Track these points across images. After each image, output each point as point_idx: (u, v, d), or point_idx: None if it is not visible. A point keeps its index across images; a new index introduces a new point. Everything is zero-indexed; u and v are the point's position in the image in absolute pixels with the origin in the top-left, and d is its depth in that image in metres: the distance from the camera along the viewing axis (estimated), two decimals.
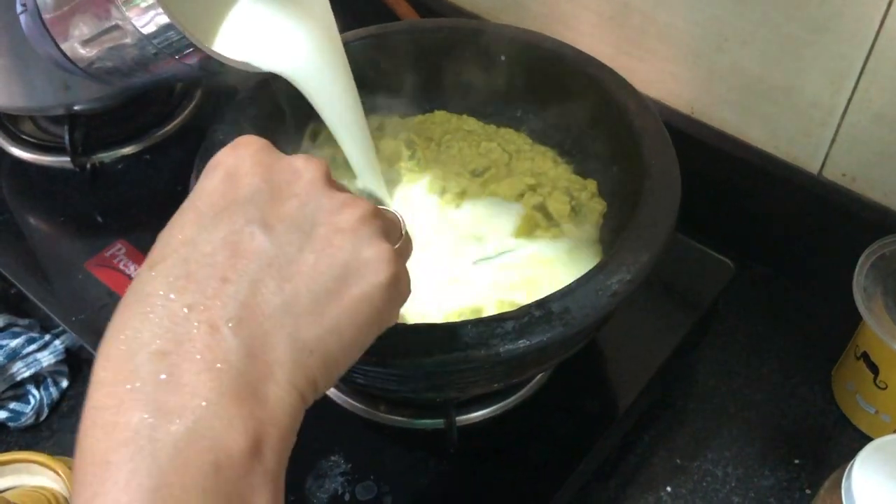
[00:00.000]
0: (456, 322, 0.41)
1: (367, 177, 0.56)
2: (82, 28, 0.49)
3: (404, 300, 0.35)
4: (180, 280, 0.29)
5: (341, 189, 0.34)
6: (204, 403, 0.27)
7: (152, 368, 0.28)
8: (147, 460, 0.26)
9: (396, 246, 0.34)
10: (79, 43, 0.50)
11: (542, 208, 0.57)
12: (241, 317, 0.29)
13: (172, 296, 0.29)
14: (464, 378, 0.44)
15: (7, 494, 0.51)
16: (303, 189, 0.32)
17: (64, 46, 0.51)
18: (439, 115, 0.64)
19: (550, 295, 0.42)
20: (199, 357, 0.28)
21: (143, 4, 0.43)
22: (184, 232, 0.31)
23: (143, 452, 0.26)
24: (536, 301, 0.42)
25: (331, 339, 0.30)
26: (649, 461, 0.61)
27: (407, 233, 0.37)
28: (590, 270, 0.44)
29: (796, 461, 0.61)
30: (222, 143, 0.52)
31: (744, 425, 0.63)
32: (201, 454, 0.26)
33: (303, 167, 0.33)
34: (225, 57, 0.47)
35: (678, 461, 0.61)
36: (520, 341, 0.41)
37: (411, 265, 0.36)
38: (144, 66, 0.50)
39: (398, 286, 0.33)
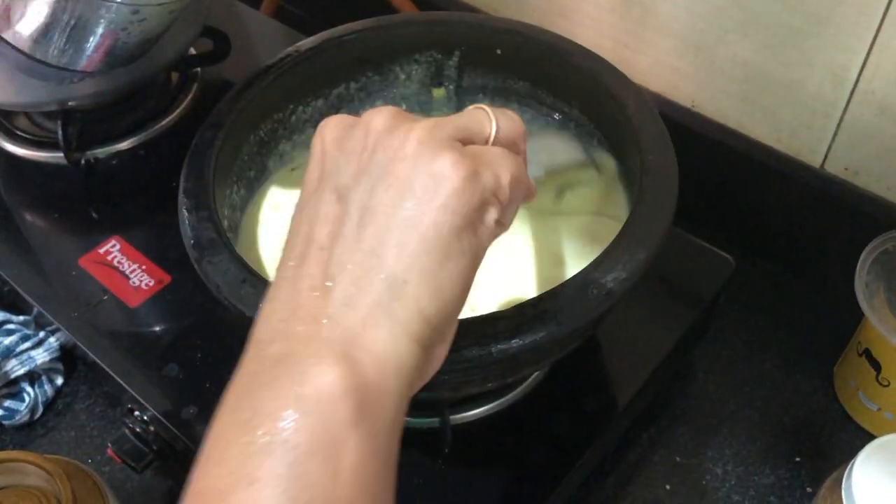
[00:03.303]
0: None
1: None
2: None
3: (503, 193, 0.33)
4: (292, 261, 0.33)
5: (409, 121, 0.34)
6: (302, 349, 0.30)
7: (271, 333, 0.31)
8: (246, 397, 0.30)
9: (491, 140, 0.35)
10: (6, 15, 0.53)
11: None
12: (336, 274, 0.31)
13: (289, 275, 0.33)
14: (457, 378, 0.44)
15: None
16: (371, 141, 0.34)
17: (6, 35, 0.55)
18: None
19: (544, 293, 0.42)
20: (307, 316, 0.31)
21: None
22: (292, 223, 0.35)
23: (245, 391, 0.30)
24: (530, 300, 0.41)
25: (423, 262, 0.31)
26: (649, 459, 0.61)
27: (504, 118, 0.36)
28: (585, 268, 0.43)
29: (797, 459, 0.60)
30: (210, 143, 0.52)
31: (744, 422, 0.63)
32: (289, 389, 0.29)
33: (369, 120, 0.34)
34: None
35: (678, 459, 0.61)
36: (513, 341, 0.40)
37: None
38: (87, 24, 0.55)
39: (476, 183, 0.32)
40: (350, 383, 0.29)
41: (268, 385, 0.29)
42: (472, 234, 0.32)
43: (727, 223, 0.72)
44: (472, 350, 0.40)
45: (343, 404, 0.28)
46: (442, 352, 0.34)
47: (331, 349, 0.29)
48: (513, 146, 0.36)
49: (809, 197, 0.67)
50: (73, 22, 0.56)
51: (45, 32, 0.57)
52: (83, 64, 0.61)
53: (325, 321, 0.30)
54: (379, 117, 0.34)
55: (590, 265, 0.43)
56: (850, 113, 0.61)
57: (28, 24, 0.56)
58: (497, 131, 0.35)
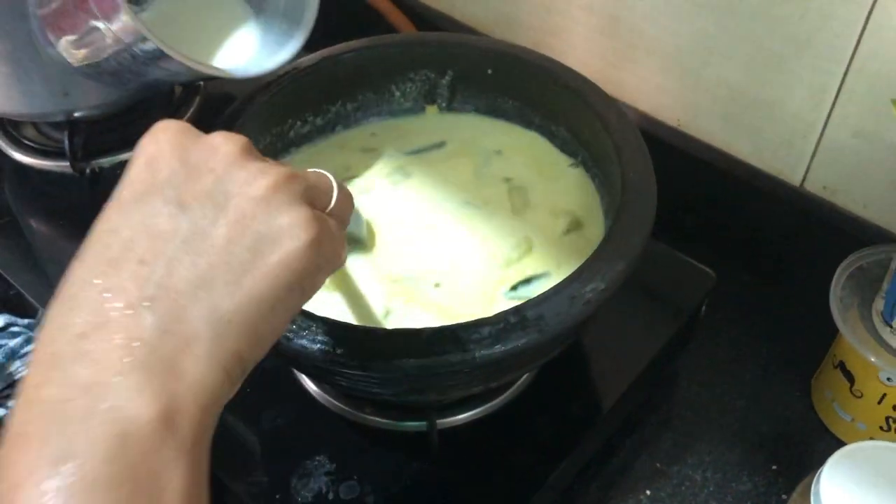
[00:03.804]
0: (433, 327, 0.43)
1: None
2: (68, 28, 0.54)
3: (333, 264, 0.35)
4: (101, 266, 0.31)
5: (262, 160, 0.34)
6: (116, 378, 0.28)
7: (72, 350, 0.29)
8: (56, 430, 0.27)
9: (328, 209, 0.36)
10: (68, 42, 0.55)
11: None
12: (157, 296, 0.30)
13: (96, 281, 0.30)
14: (442, 382, 0.46)
15: None
16: (218, 164, 0.33)
17: (58, 46, 0.57)
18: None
19: (526, 302, 0.44)
20: (116, 336, 0.29)
21: (123, 18, 0.47)
22: (108, 221, 0.32)
23: (54, 424, 0.27)
24: (512, 308, 0.44)
25: (251, 309, 0.31)
26: (631, 465, 0.63)
27: (342, 193, 0.37)
28: (566, 278, 0.45)
29: (774, 467, 0.62)
30: None
31: (724, 431, 0.64)
32: (107, 424, 0.27)
33: (220, 143, 0.33)
34: (199, 62, 0.54)
35: (658, 465, 0.62)
36: (496, 346, 0.42)
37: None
38: (134, 69, 0.55)
39: (319, 249, 0.33)
40: (170, 419, 0.28)
41: (79, 419, 0.27)
42: (301, 294, 0.33)
43: (711, 238, 0.73)
44: (456, 355, 0.42)
45: (165, 442, 0.28)
46: (235, 389, 0.33)
47: (149, 381, 0.28)
48: (341, 221, 0.37)
49: (789, 214, 0.69)
50: (126, 70, 0.58)
51: (96, 67, 0.59)
52: (118, 93, 0.64)
53: (136, 344, 0.29)
54: (229, 144, 0.34)
55: (571, 275, 0.45)
56: (827, 134, 0.64)
57: (84, 55, 0.57)
58: (334, 203, 0.37)
